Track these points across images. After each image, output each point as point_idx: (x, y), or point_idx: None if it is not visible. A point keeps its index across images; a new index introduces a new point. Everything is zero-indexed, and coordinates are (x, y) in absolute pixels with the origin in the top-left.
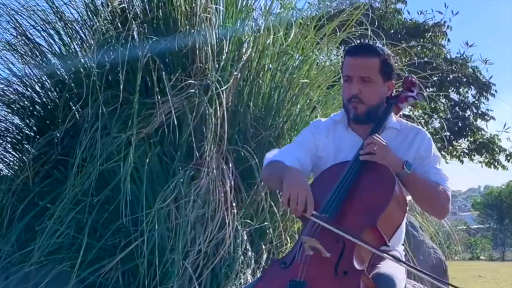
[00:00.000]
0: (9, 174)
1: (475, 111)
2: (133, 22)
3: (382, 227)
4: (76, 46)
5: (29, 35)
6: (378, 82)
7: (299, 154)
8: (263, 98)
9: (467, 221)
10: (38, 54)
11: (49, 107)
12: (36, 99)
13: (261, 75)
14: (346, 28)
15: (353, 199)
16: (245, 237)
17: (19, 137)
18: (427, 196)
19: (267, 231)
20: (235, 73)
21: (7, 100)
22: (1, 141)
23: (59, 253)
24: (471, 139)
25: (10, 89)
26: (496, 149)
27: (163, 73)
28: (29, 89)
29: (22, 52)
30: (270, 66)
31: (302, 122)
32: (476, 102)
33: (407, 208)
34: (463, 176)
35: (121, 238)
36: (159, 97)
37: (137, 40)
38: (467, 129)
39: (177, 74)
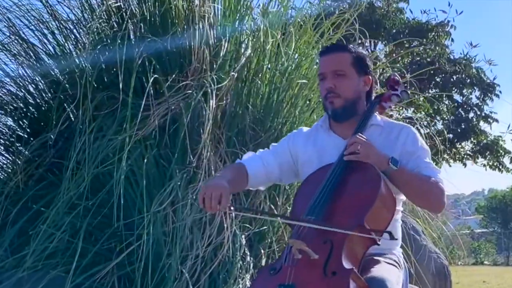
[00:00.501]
0: (1, 177)
1: (478, 113)
2: (129, 21)
3: (370, 225)
4: (70, 46)
5: (23, 35)
6: (352, 76)
7: (267, 159)
8: (262, 99)
9: (470, 225)
10: (31, 54)
11: (43, 108)
12: (29, 100)
13: (259, 75)
14: (344, 27)
15: (339, 200)
16: (244, 242)
17: (12, 139)
18: (419, 190)
19: (266, 235)
20: (233, 73)
21: (0, 101)
22: None
23: (53, 258)
24: (475, 141)
25: (3, 90)
26: (500, 151)
27: (160, 73)
28: (22, 90)
29: (15, 52)
30: (269, 66)
31: (302, 124)
32: (480, 103)
33: (400, 208)
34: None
35: (117, 243)
36: (155, 98)
37: (133, 39)
38: (471, 131)
39: (174, 75)
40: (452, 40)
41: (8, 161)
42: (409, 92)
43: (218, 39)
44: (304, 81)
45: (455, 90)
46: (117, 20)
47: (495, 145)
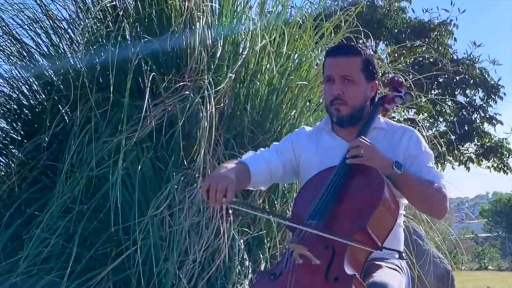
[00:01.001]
0: None
1: (482, 114)
2: (125, 20)
3: (373, 230)
4: (65, 46)
5: (16, 35)
6: (361, 82)
7: (270, 158)
8: (261, 100)
9: (474, 229)
10: (25, 54)
11: (37, 110)
12: (23, 101)
13: (258, 76)
14: (344, 27)
15: (342, 204)
16: (242, 246)
17: (5, 141)
18: (422, 195)
19: (265, 239)
20: (231, 74)
21: None
22: None
23: (47, 262)
24: (479, 143)
25: None
26: (505, 153)
27: (156, 74)
28: (16, 91)
29: (8, 52)
30: (268, 67)
31: (301, 126)
32: (483, 105)
33: (402, 212)
34: (470, 182)
35: (113, 247)
36: (151, 100)
37: (129, 39)
38: (474, 133)
39: (171, 76)
40: (455, 39)
41: (1, 163)
42: (412, 94)
43: (216, 39)
44: (304, 82)
45: (458, 91)
46: (112, 19)
47: (500, 147)
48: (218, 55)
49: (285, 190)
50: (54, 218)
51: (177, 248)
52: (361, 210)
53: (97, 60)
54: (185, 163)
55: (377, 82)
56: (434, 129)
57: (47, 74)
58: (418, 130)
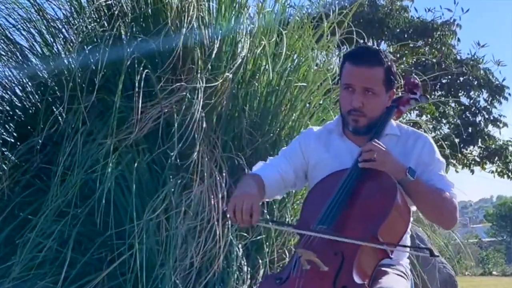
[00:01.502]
0: None
1: (486, 116)
2: (120, 20)
3: (384, 237)
4: (59, 46)
5: (9, 34)
6: (381, 94)
7: (282, 167)
8: (259, 102)
9: (478, 233)
10: (18, 54)
11: (30, 111)
12: (16, 103)
13: (256, 77)
14: (345, 26)
15: (352, 209)
16: (240, 251)
17: None
18: (433, 204)
19: (264, 244)
20: (228, 74)
21: None
22: None
23: (41, 268)
24: (483, 146)
25: None
26: (510, 157)
27: (152, 75)
28: (8, 92)
29: (1, 52)
30: (266, 67)
31: (301, 128)
32: (488, 106)
33: (411, 218)
34: (474, 185)
35: (108, 252)
36: (147, 101)
37: (124, 39)
38: (478, 135)
39: (167, 76)
40: (459, 39)
41: None
42: (428, 96)
43: (213, 39)
44: (303, 83)
45: (462, 92)
46: (107, 19)
47: (504, 150)
48: (215, 55)
49: (283, 195)
50: (48, 222)
51: (174, 253)
52: (372, 216)
53: (91, 60)
54: (182, 166)
55: (394, 90)
56: (437, 132)
57: (40, 75)
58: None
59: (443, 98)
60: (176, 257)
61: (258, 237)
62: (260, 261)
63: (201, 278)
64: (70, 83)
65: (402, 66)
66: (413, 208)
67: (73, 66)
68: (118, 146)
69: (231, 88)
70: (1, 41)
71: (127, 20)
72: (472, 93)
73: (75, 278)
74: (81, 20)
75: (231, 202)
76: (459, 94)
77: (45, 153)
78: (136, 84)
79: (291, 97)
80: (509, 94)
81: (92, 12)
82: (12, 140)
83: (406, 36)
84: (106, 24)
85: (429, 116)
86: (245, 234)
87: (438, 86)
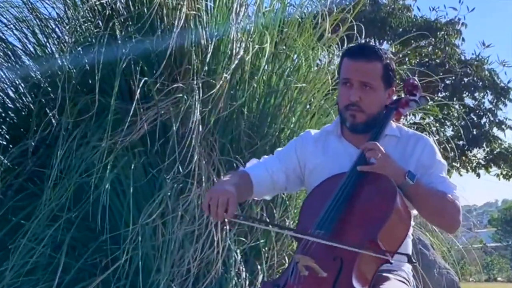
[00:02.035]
0: None
1: (491, 118)
2: (115, 19)
3: (384, 242)
4: (52, 47)
5: (1, 35)
6: (379, 89)
7: (273, 166)
8: (258, 103)
9: (483, 238)
10: (11, 55)
11: (23, 113)
12: (8, 104)
13: (255, 77)
14: (347, 25)
15: (351, 213)
16: (239, 257)
17: None
18: (435, 208)
19: (263, 249)
20: (226, 75)
21: None
22: None
23: (34, 274)
24: (488, 149)
25: None
26: None
27: (148, 76)
28: (0, 93)
29: None
30: (265, 68)
31: (300, 130)
32: (493, 108)
33: (412, 222)
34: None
35: (102, 258)
36: (143, 102)
37: (119, 39)
38: (483, 138)
39: (163, 77)
40: (463, 39)
41: None
42: (428, 98)
43: (210, 39)
44: (303, 84)
45: (466, 93)
46: (102, 18)
47: (510, 153)
48: (212, 55)
49: (284, 198)
50: (41, 227)
51: (170, 258)
52: (372, 221)
53: (86, 61)
54: (179, 169)
55: (394, 88)
56: (441, 134)
57: (33, 75)
58: (425, 134)
59: (447, 100)
60: (172, 263)
61: (257, 242)
62: (258, 266)
63: (198, 284)
64: (64, 84)
65: (405, 66)
66: (414, 212)
67: (67, 66)
68: (113, 149)
69: (229, 89)
70: None
71: (121, 20)
72: (476, 94)
73: (69, 284)
74: (75, 20)
75: (207, 196)
76: (464, 96)
77: (38, 156)
78: (132, 85)
79: (291, 99)
80: None
81: (86, 11)
82: (4, 143)
83: (409, 35)
84: (100, 24)
85: (432, 118)
86: (244, 239)
87: (441, 87)
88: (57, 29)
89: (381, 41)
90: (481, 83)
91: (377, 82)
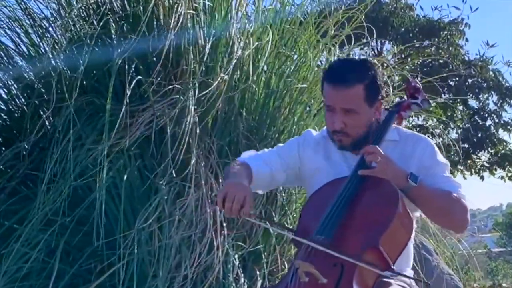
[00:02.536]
0: None
1: (496, 120)
2: (110, 18)
3: (385, 248)
4: (46, 47)
5: None
6: (365, 111)
7: (275, 164)
8: (257, 105)
9: (487, 243)
10: (3, 55)
11: (16, 115)
12: (1, 106)
13: (254, 79)
14: (348, 25)
15: (352, 218)
16: (237, 262)
17: None
18: (441, 208)
19: (262, 254)
20: (223, 75)
21: None
22: None
23: (27, 279)
24: (492, 151)
25: None
26: None
27: (144, 76)
28: None
29: None
30: (265, 68)
31: (300, 133)
32: (498, 110)
33: (414, 227)
34: (483, 192)
35: (97, 263)
36: (139, 104)
37: (114, 39)
38: (488, 140)
39: (160, 78)
40: (467, 39)
41: None
42: (430, 100)
43: (208, 39)
44: (303, 85)
45: (471, 95)
46: (96, 17)
47: None
48: (210, 55)
49: (283, 202)
50: (35, 232)
51: (167, 264)
52: (373, 226)
53: (80, 61)
54: (176, 172)
55: (382, 101)
56: (445, 136)
57: (27, 76)
58: (428, 136)
59: (450, 101)
60: (169, 269)
61: (256, 247)
62: (257, 272)
63: None
64: (58, 85)
65: (407, 67)
66: (417, 214)
67: (61, 67)
68: (108, 152)
69: (227, 90)
70: None
71: (117, 19)
72: (481, 95)
73: None
74: (68, 18)
75: (224, 188)
76: (468, 97)
77: (32, 159)
78: (127, 86)
79: (291, 100)
80: None
81: (80, 10)
82: None
83: (411, 35)
84: (95, 23)
85: (435, 120)
86: (242, 244)
87: (445, 89)
88: (50, 29)
89: (383, 41)
90: (485, 84)
91: (361, 105)
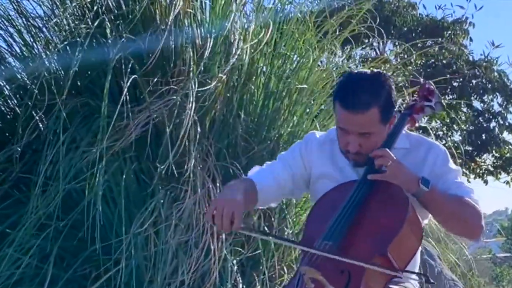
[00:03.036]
0: None
1: (501, 122)
2: (106, 18)
3: (394, 255)
4: (39, 47)
5: None
6: (380, 130)
7: (278, 172)
8: (256, 106)
9: (492, 248)
10: None
11: (8, 116)
12: None
13: (253, 79)
14: (350, 25)
15: (361, 224)
16: (235, 267)
17: None
18: (454, 213)
19: (261, 259)
20: (222, 76)
21: None
22: None
23: (20, 285)
24: (497, 154)
25: None
26: None
27: (140, 77)
28: None
29: None
30: (264, 69)
31: (300, 135)
32: (502, 111)
33: (423, 234)
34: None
35: (92, 268)
36: (135, 105)
37: (110, 38)
38: (492, 142)
39: (156, 79)
40: (471, 39)
41: None
42: (443, 103)
43: (206, 39)
44: (303, 86)
45: (475, 96)
46: (91, 16)
47: None
48: (208, 55)
49: (282, 206)
50: (28, 236)
51: (163, 269)
52: (382, 232)
53: (75, 61)
54: (172, 175)
55: (395, 115)
56: (448, 138)
57: (19, 77)
58: (431, 139)
59: (454, 102)
60: (166, 274)
61: (255, 252)
62: (256, 278)
63: None
64: (52, 86)
65: (410, 67)
66: (425, 222)
67: (54, 67)
68: (103, 154)
69: (225, 91)
70: None
71: (112, 18)
72: (485, 97)
73: None
74: (62, 17)
75: (212, 205)
76: (472, 98)
77: (25, 162)
78: (123, 87)
79: (290, 101)
80: None
81: (75, 9)
82: None
83: (414, 35)
84: (90, 22)
85: (439, 121)
86: (240, 249)
87: (449, 90)
88: (44, 29)
89: (385, 40)
90: (490, 85)
91: (376, 127)
